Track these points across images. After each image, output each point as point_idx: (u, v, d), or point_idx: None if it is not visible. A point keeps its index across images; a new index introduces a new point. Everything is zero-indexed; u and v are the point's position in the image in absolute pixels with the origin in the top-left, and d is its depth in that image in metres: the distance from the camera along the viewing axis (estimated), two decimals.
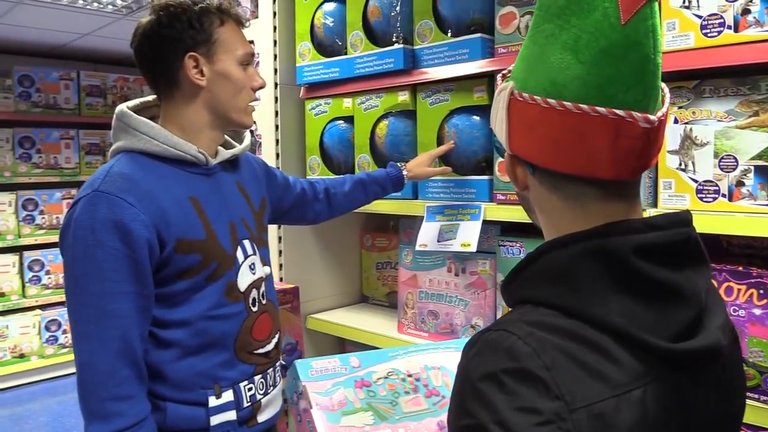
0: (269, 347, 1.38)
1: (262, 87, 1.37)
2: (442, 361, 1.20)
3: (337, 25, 1.95)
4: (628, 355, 0.62)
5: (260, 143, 2.14)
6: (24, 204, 4.76)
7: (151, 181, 1.21)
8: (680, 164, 1.30)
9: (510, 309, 0.74)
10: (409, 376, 1.17)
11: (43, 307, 4.82)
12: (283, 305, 1.91)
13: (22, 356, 4.61)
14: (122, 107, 1.30)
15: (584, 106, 0.63)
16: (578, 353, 0.61)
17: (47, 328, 4.74)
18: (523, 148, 0.71)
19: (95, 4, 3.79)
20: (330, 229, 2.20)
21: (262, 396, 1.34)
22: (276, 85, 2.07)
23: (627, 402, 0.60)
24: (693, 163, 1.29)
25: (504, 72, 0.79)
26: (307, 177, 2.07)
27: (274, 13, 2.07)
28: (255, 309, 1.34)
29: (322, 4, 1.97)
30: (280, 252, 2.09)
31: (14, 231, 4.72)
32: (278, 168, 2.08)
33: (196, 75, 1.27)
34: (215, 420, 1.26)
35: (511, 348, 0.61)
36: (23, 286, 4.74)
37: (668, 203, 1.32)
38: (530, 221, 0.84)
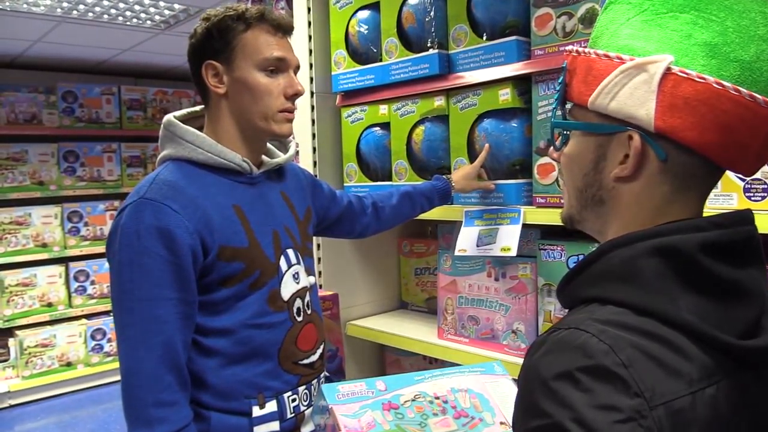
0: (314, 358, 1.37)
1: (296, 94, 1.33)
2: (469, 384, 1.19)
3: (372, 32, 1.95)
4: (699, 353, 0.62)
5: (297, 152, 2.16)
6: (69, 216, 4.89)
7: (195, 189, 1.22)
8: None
9: (567, 310, 0.73)
10: (437, 398, 1.15)
11: (88, 316, 4.94)
12: (323, 312, 1.92)
13: (69, 365, 4.73)
14: (169, 117, 1.32)
15: (758, 96, 0.63)
16: (653, 350, 0.60)
17: (93, 337, 4.85)
18: (676, 127, 0.66)
19: (134, 20, 3.88)
20: (368, 237, 2.20)
21: (306, 407, 1.34)
22: (312, 93, 2.09)
23: (702, 399, 0.60)
24: None
25: (582, 47, 0.75)
26: (345, 184, 2.08)
27: (309, 23, 2.09)
28: (300, 319, 1.34)
29: (356, 12, 1.99)
30: (319, 259, 2.10)
31: (60, 242, 4.85)
32: (316, 176, 2.10)
33: (216, 83, 1.28)
34: (258, 430, 1.25)
35: (585, 345, 0.60)
36: (69, 297, 4.87)
37: (715, 203, 1.28)
38: None
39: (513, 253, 1.59)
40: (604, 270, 0.68)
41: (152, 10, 3.68)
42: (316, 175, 2.09)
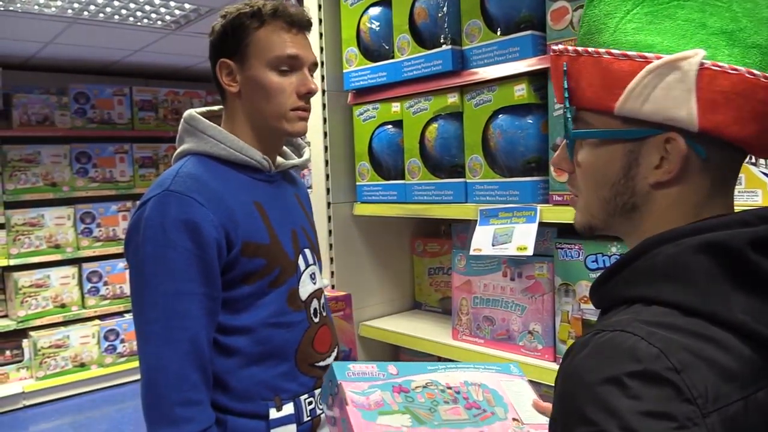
0: (329, 360, 1.34)
1: (309, 93, 1.29)
2: (483, 379, 1.17)
3: (384, 28, 1.93)
4: (751, 354, 0.59)
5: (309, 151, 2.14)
6: (82, 217, 4.91)
7: (218, 183, 1.21)
8: (750, 158, 1.23)
9: (600, 312, 0.70)
10: (449, 388, 1.12)
11: (101, 317, 4.96)
12: (336, 313, 1.90)
13: (82, 365, 4.75)
14: (191, 111, 1.31)
15: None
16: (705, 352, 0.57)
17: (106, 338, 4.86)
18: (719, 123, 0.63)
19: (145, 21, 3.88)
20: (381, 236, 2.18)
21: (322, 411, 1.30)
22: (323, 91, 2.07)
23: (754, 403, 0.57)
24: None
25: (563, 48, 0.70)
26: (357, 183, 2.06)
27: (320, 20, 2.06)
28: (316, 320, 1.32)
29: (367, 8, 1.96)
30: (332, 259, 2.08)
31: (73, 243, 4.87)
32: (328, 175, 2.08)
33: (229, 82, 1.28)
34: None
35: (634, 349, 0.57)
36: (83, 297, 4.88)
37: (739, 199, 1.25)
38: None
39: (529, 252, 1.56)
40: (648, 268, 0.65)
41: (163, 10, 3.67)
42: (328, 174, 2.07)
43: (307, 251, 1.34)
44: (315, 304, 1.33)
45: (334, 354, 1.38)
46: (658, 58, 0.64)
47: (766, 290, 0.61)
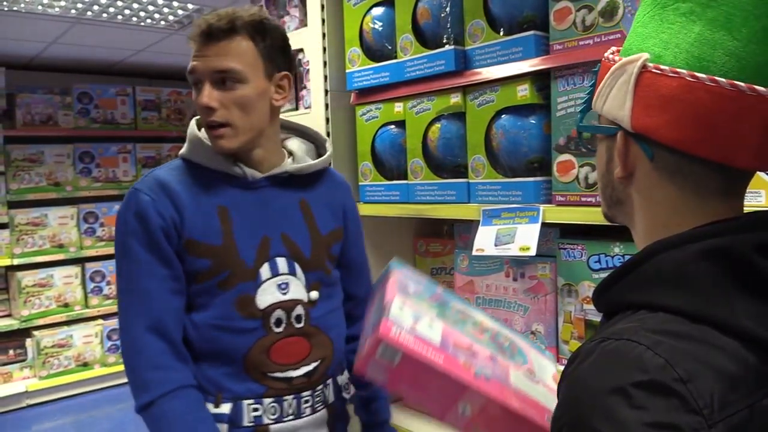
0: (297, 373, 1.32)
1: (200, 105, 1.26)
2: (515, 339, 1.18)
3: (386, 29, 1.93)
4: (756, 360, 0.58)
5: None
6: (85, 217, 4.92)
7: (182, 186, 1.29)
8: None
9: (603, 314, 0.70)
10: (482, 323, 1.15)
11: (104, 316, 4.97)
12: None
13: (85, 365, 4.76)
14: (193, 119, 1.39)
15: (740, 84, 0.59)
16: (712, 361, 0.57)
17: (109, 338, 4.87)
18: (653, 126, 0.64)
19: (148, 21, 3.89)
20: (383, 236, 2.18)
21: (272, 422, 1.30)
22: (326, 92, 2.07)
23: (759, 411, 0.57)
24: None
25: (612, 51, 0.73)
26: (360, 183, 2.06)
27: (323, 20, 2.07)
28: (279, 330, 1.30)
29: (370, 8, 1.96)
30: None
31: (76, 243, 4.88)
32: None
33: None
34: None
35: (640, 359, 0.57)
36: (86, 297, 4.89)
37: None
38: (592, 222, 0.80)
39: (532, 252, 1.55)
40: (653, 274, 0.65)
41: (166, 10, 3.68)
42: None
43: (281, 260, 1.32)
44: (279, 314, 1.31)
45: (310, 368, 1.35)
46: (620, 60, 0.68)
47: None
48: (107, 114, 5.02)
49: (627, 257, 1.42)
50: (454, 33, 1.72)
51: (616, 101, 0.68)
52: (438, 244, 2.21)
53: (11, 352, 4.59)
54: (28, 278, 4.63)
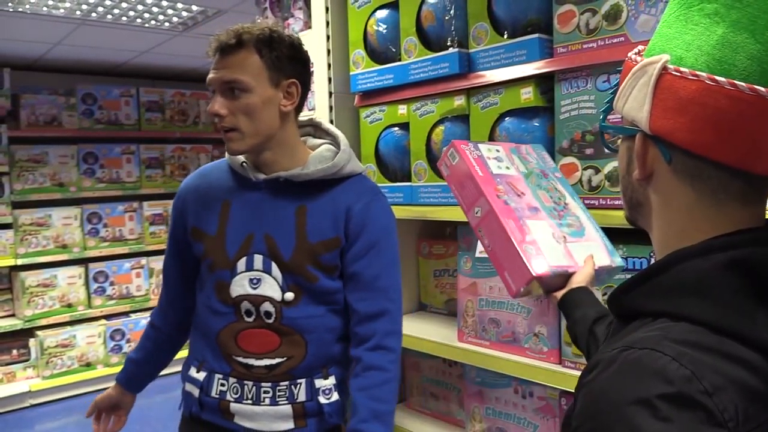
0: (257, 363, 1.42)
1: (212, 113, 1.38)
2: (588, 227, 1.29)
3: (391, 31, 1.93)
4: None
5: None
6: (89, 217, 4.93)
7: (205, 179, 1.54)
8: None
9: (616, 318, 0.69)
10: (566, 205, 1.30)
11: (108, 317, 4.98)
12: None
13: (88, 365, 4.77)
14: None
15: (761, 89, 0.58)
16: (736, 374, 0.56)
17: (112, 338, 4.88)
18: (670, 128, 0.64)
19: (152, 22, 3.90)
20: None
21: (233, 401, 1.44)
22: (330, 93, 2.08)
23: None
24: None
25: (636, 51, 0.73)
26: None
27: (327, 23, 2.07)
28: (249, 320, 1.43)
29: (375, 11, 1.97)
30: None
31: (80, 244, 4.89)
32: None
33: None
34: (186, 387, 1.51)
35: (665, 370, 0.56)
36: (89, 297, 4.90)
37: None
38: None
39: None
40: (675, 283, 0.64)
41: (170, 11, 3.69)
42: None
43: (258, 257, 1.42)
44: (248, 306, 1.43)
45: (273, 362, 1.42)
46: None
47: None
48: (111, 115, 5.04)
49: (630, 260, 1.42)
50: (458, 36, 1.73)
51: (636, 102, 0.67)
52: (441, 246, 2.22)
53: (15, 351, 4.61)
54: (31, 278, 4.65)
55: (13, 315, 4.78)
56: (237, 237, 1.44)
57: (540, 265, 1.13)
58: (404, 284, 2.27)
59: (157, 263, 5.05)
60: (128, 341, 4.92)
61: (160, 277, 4.36)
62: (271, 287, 1.41)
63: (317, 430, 1.46)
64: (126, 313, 5.06)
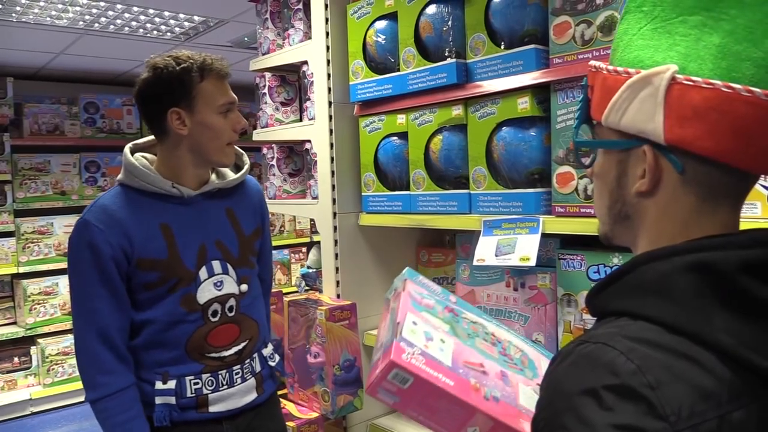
0: (229, 353, 1.61)
1: (243, 128, 1.60)
2: (525, 349, 1.20)
3: (389, 42, 1.96)
4: (730, 375, 0.60)
5: (315, 161, 2.17)
6: None
7: (126, 211, 1.51)
8: None
9: (596, 318, 0.71)
10: (493, 335, 1.17)
11: None
12: (341, 322, 1.92)
13: None
14: (127, 146, 1.61)
15: None
16: (683, 371, 0.58)
17: None
18: (687, 137, 0.64)
19: (155, 32, 3.93)
20: (386, 246, 2.20)
21: (210, 392, 1.58)
22: (330, 103, 2.10)
23: (729, 423, 0.58)
24: None
25: (600, 64, 0.73)
26: (363, 194, 2.08)
27: (327, 33, 2.10)
28: (215, 319, 1.58)
29: (374, 22, 1.99)
30: (337, 269, 2.10)
31: None
32: (334, 186, 2.10)
33: (179, 126, 1.52)
34: (158, 400, 1.54)
35: (613, 363, 0.59)
36: None
37: None
38: (591, 233, 0.81)
39: (532, 262, 1.57)
40: (638, 283, 0.66)
41: (172, 22, 3.72)
42: (334, 185, 2.09)
43: (216, 263, 1.59)
44: (216, 306, 1.58)
45: (239, 348, 1.63)
46: (639, 73, 0.66)
47: (753, 313, 0.61)
48: (113, 124, 5.07)
49: None
50: (456, 46, 1.75)
51: (641, 114, 0.66)
52: (440, 254, 2.23)
53: (16, 359, 4.61)
54: (33, 286, 4.66)
55: (14, 323, 4.79)
56: (191, 251, 1.55)
57: None
58: None
59: None
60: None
61: None
62: (230, 285, 1.61)
63: (272, 389, 1.75)
64: None
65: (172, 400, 1.55)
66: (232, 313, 1.62)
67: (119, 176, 1.58)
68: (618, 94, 0.68)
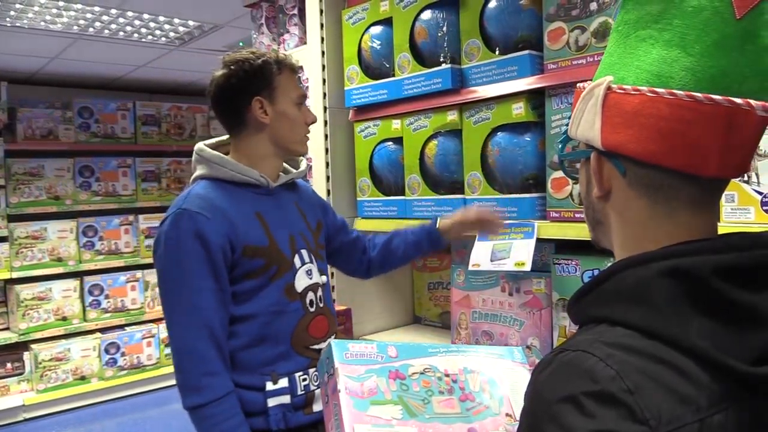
0: (320, 346, 1.54)
1: (314, 122, 1.60)
2: (482, 366, 1.17)
3: (385, 47, 1.96)
4: (708, 378, 0.60)
5: (311, 166, 2.17)
6: (84, 230, 4.93)
7: (223, 200, 1.47)
8: (743, 176, 1.26)
9: (577, 327, 0.72)
10: (447, 375, 1.13)
11: (102, 330, 4.96)
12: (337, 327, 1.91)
13: (83, 378, 4.75)
14: (200, 144, 1.58)
15: (697, 95, 0.62)
16: (661, 376, 0.59)
17: (107, 351, 4.86)
18: (620, 142, 0.67)
19: (149, 37, 3.93)
20: None
21: (316, 387, 1.51)
22: (325, 108, 2.10)
23: (708, 427, 0.58)
24: (757, 175, 1.24)
25: (585, 82, 0.77)
26: (358, 199, 2.09)
27: (322, 39, 2.10)
28: (312, 309, 1.55)
29: (369, 27, 2.00)
30: (332, 274, 2.10)
31: (75, 257, 4.89)
32: (329, 190, 2.10)
33: (262, 115, 1.52)
34: (272, 402, 1.46)
35: (592, 370, 0.59)
36: (84, 310, 4.89)
37: (731, 217, 1.27)
38: (586, 238, 0.82)
39: (527, 267, 1.58)
40: (614, 290, 0.67)
41: (167, 26, 3.72)
42: (329, 190, 2.10)
43: (304, 251, 1.57)
44: (311, 295, 1.56)
45: (330, 340, 1.48)
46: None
47: (729, 317, 0.62)
48: (108, 128, 5.05)
49: None
50: (451, 52, 1.76)
51: (587, 123, 0.71)
52: (435, 259, 2.23)
53: (9, 365, 4.58)
54: (26, 291, 4.63)
55: (7, 328, 4.76)
56: (284, 239, 1.53)
57: None
58: (399, 297, 2.29)
59: (152, 277, 5.04)
60: (123, 354, 4.90)
61: (156, 290, 4.36)
62: (316, 275, 1.59)
63: None
64: (121, 327, 5.04)
65: (287, 399, 1.48)
66: (322, 304, 1.59)
67: (197, 172, 1.55)
68: (576, 106, 0.74)
